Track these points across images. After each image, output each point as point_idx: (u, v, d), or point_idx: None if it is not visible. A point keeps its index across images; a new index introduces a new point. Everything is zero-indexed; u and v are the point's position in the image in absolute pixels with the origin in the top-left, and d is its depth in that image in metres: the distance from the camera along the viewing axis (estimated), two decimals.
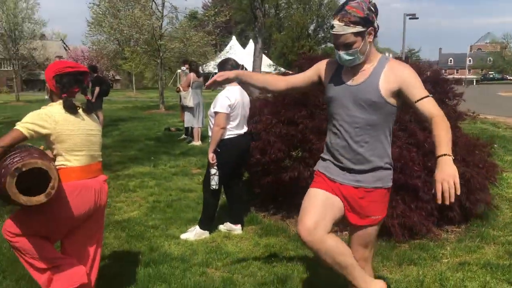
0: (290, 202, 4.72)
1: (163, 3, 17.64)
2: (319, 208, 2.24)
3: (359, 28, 2.13)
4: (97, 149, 2.73)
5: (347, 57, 2.19)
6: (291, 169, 4.36)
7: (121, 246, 4.05)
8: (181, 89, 9.90)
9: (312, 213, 2.22)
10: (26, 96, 36.66)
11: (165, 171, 7.06)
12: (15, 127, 2.45)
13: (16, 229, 2.52)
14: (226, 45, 47.76)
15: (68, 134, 2.54)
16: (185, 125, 10.17)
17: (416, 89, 2.17)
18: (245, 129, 4.36)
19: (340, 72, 2.33)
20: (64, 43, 68.75)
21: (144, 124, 13.42)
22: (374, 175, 2.28)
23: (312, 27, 61.25)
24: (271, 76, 2.70)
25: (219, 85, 2.61)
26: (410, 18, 24.71)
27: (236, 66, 4.31)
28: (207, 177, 4.27)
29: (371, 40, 2.20)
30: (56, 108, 2.58)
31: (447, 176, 1.90)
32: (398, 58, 4.87)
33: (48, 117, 2.51)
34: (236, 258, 3.78)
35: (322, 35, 61.25)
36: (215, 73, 2.89)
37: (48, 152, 2.63)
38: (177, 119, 13.09)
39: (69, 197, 2.50)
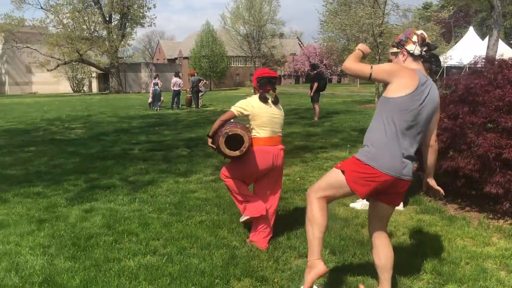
0: (455, 189, 5.24)
1: (385, 1, 18.28)
2: (372, 215, 3.17)
3: (394, 49, 3.08)
4: (278, 127, 4.02)
5: None
6: (450, 159, 4.90)
7: (303, 205, 5.33)
8: None
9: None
10: None
11: None
12: (230, 109, 3.94)
13: (227, 173, 4.04)
14: (462, 36, 44.45)
15: (259, 115, 3.90)
16: None
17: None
18: None
19: None
20: (300, 41, 74.78)
21: (354, 117, 14.59)
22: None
23: None
24: None
25: None
26: None
27: None
28: None
29: (404, 58, 2.95)
30: (254, 98, 3.98)
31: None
32: None
33: (249, 103, 3.93)
34: (389, 225, 4.61)
35: None
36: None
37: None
38: None
39: (256, 156, 3.88)
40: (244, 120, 4.06)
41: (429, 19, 20.84)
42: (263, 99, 3.97)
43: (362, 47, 3.11)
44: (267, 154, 3.93)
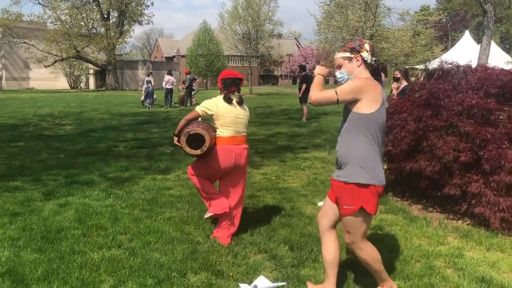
0: (420, 190, 5.40)
1: (377, 5, 18.43)
2: (326, 213, 3.21)
3: (346, 54, 3.01)
4: (242, 127, 4.16)
5: (338, 75, 3.05)
6: (414, 161, 5.05)
7: (273, 203, 5.48)
8: None
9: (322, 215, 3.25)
10: (259, 90, 41.91)
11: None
12: (195, 109, 4.07)
13: (192, 171, 4.18)
14: (458, 40, 44.53)
15: (223, 115, 4.04)
16: None
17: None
18: None
19: None
20: (298, 41, 74.86)
21: (341, 118, 14.70)
22: (346, 172, 2.94)
23: None
24: None
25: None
26: None
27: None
28: None
29: (359, 64, 2.98)
30: (219, 99, 4.12)
31: None
32: None
33: (213, 103, 4.07)
34: None
35: None
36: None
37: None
38: None
39: (219, 155, 4.02)
40: (209, 119, 4.20)
41: (420, 22, 21.01)
42: (227, 100, 4.11)
43: (321, 70, 3.15)
44: (230, 153, 4.07)
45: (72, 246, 4.05)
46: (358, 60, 2.99)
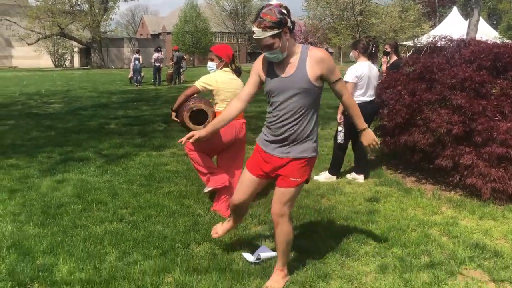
0: (414, 163, 5.52)
1: None
2: (245, 188, 3.09)
3: (274, 31, 2.54)
4: None
5: (271, 56, 2.65)
6: (408, 134, 5.14)
7: None
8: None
9: (241, 191, 3.12)
10: (247, 67, 41.63)
11: (330, 132, 8.34)
12: (194, 84, 4.09)
13: (192, 146, 4.20)
14: (446, 16, 44.48)
15: (223, 90, 4.06)
16: None
17: (332, 72, 2.68)
18: (371, 97, 5.29)
19: (273, 67, 2.76)
20: None
21: (331, 95, 14.77)
22: (300, 147, 2.79)
23: None
24: (226, 108, 3.06)
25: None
26: None
27: (367, 46, 5.23)
28: (336, 133, 5.41)
29: (288, 37, 2.61)
30: (218, 73, 4.14)
31: (371, 140, 2.66)
32: None
33: (213, 79, 4.08)
34: (348, 196, 4.89)
35: None
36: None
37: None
38: None
39: (220, 130, 4.04)
40: (207, 94, 4.23)
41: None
42: (239, 72, 4.18)
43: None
44: (230, 128, 4.11)
45: (73, 221, 4.09)
46: (286, 32, 2.61)
